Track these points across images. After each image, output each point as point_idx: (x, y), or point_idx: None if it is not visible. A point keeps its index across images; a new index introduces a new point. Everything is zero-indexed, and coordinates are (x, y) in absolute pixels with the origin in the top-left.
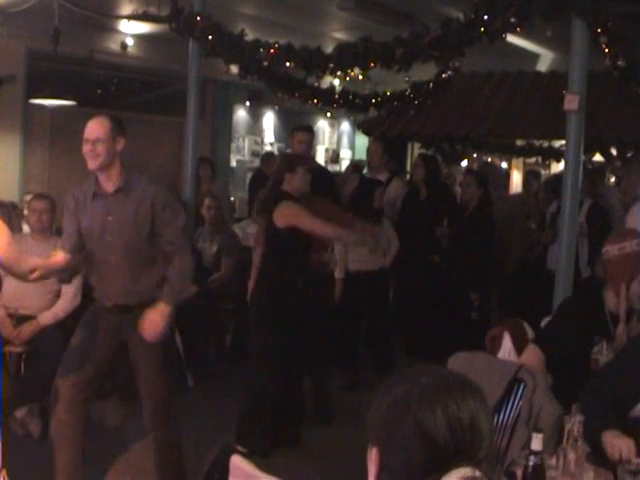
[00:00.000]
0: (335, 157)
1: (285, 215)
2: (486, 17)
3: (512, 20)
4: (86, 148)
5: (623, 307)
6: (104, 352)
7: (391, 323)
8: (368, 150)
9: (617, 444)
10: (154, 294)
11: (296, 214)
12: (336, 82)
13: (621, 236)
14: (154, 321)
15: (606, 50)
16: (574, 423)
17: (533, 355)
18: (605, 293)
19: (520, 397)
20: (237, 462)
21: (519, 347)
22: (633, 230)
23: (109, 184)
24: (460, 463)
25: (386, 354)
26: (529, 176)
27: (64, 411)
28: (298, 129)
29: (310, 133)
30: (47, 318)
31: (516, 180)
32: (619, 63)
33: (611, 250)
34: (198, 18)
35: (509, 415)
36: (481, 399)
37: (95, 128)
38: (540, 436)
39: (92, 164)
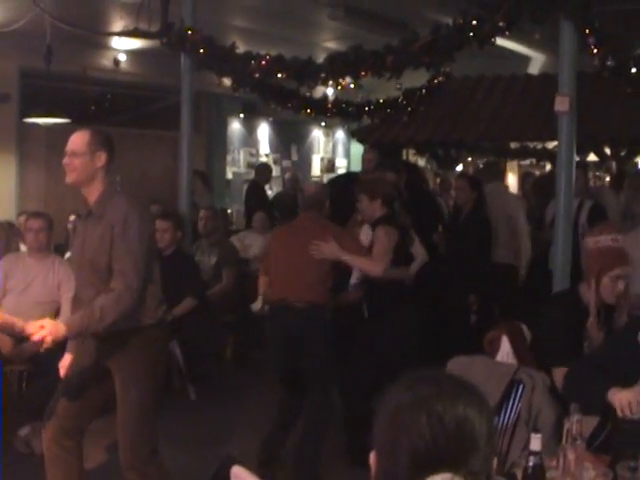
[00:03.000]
0: (330, 166)
1: None
2: (475, 22)
3: (500, 24)
4: (64, 161)
5: (593, 301)
6: (94, 382)
7: None
8: (363, 158)
9: (624, 397)
10: (129, 322)
11: None
12: (329, 91)
13: (599, 230)
14: (41, 331)
15: (595, 50)
16: (573, 423)
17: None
18: (581, 288)
19: (519, 398)
20: (238, 472)
21: (517, 350)
22: (612, 224)
23: (89, 204)
24: (440, 470)
25: None
26: (527, 178)
27: (53, 442)
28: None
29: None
30: None
31: (511, 182)
32: (608, 63)
33: (587, 243)
34: (189, 32)
35: (509, 416)
36: (479, 403)
37: (72, 140)
38: (539, 436)
39: (67, 178)
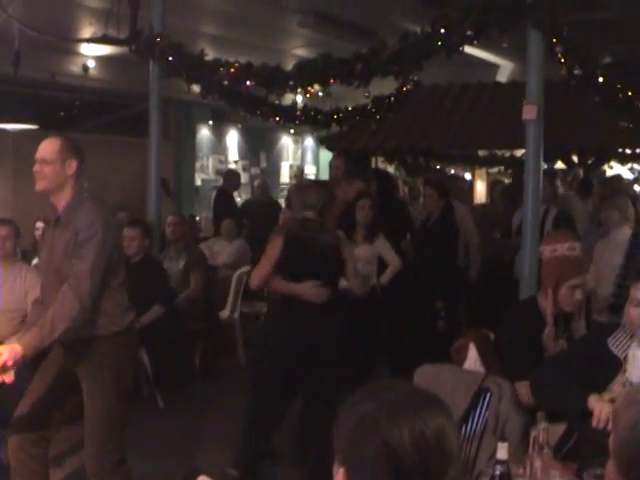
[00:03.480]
0: (299, 173)
1: None
2: (443, 31)
3: (469, 33)
4: (34, 168)
5: (550, 310)
6: (61, 390)
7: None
8: (330, 166)
9: (606, 410)
10: (94, 330)
11: None
12: (299, 99)
13: (555, 238)
14: (4, 358)
15: (562, 60)
16: (539, 431)
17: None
18: (539, 297)
19: (487, 407)
20: None
21: (485, 357)
22: (568, 232)
23: (57, 211)
24: None
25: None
26: (495, 186)
27: (18, 449)
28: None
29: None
30: None
31: (480, 190)
32: (575, 72)
33: (544, 251)
34: (158, 39)
35: (476, 425)
36: (448, 416)
37: (43, 148)
38: (505, 445)
39: (37, 185)
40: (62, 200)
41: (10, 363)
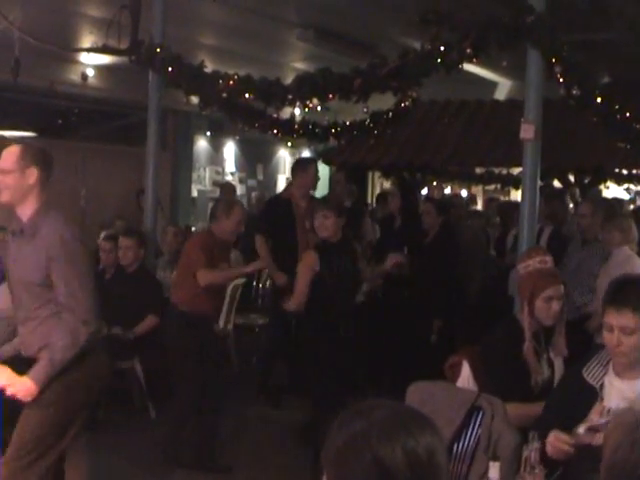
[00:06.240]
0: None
1: None
2: (443, 48)
3: (468, 51)
4: None
5: (527, 324)
6: None
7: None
8: (330, 180)
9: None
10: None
11: None
12: (297, 112)
13: (528, 255)
14: (15, 390)
15: (561, 79)
16: (531, 450)
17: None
18: (518, 314)
19: (479, 425)
20: None
21: (478, 375)
22: (539, 248)
23: (22, 222)
24: None
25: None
26: (491, 203)
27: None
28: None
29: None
30: (8, 351)
31: (477, 207)
32: (574, 92)
33: (518, 270)
34: (158, 50)
35: (468, 443)
36: (437, 434)
37: (3, 157)
38: (497, 464)
39: (1, 197)
40: (27, 210)
41: (20, 397)
